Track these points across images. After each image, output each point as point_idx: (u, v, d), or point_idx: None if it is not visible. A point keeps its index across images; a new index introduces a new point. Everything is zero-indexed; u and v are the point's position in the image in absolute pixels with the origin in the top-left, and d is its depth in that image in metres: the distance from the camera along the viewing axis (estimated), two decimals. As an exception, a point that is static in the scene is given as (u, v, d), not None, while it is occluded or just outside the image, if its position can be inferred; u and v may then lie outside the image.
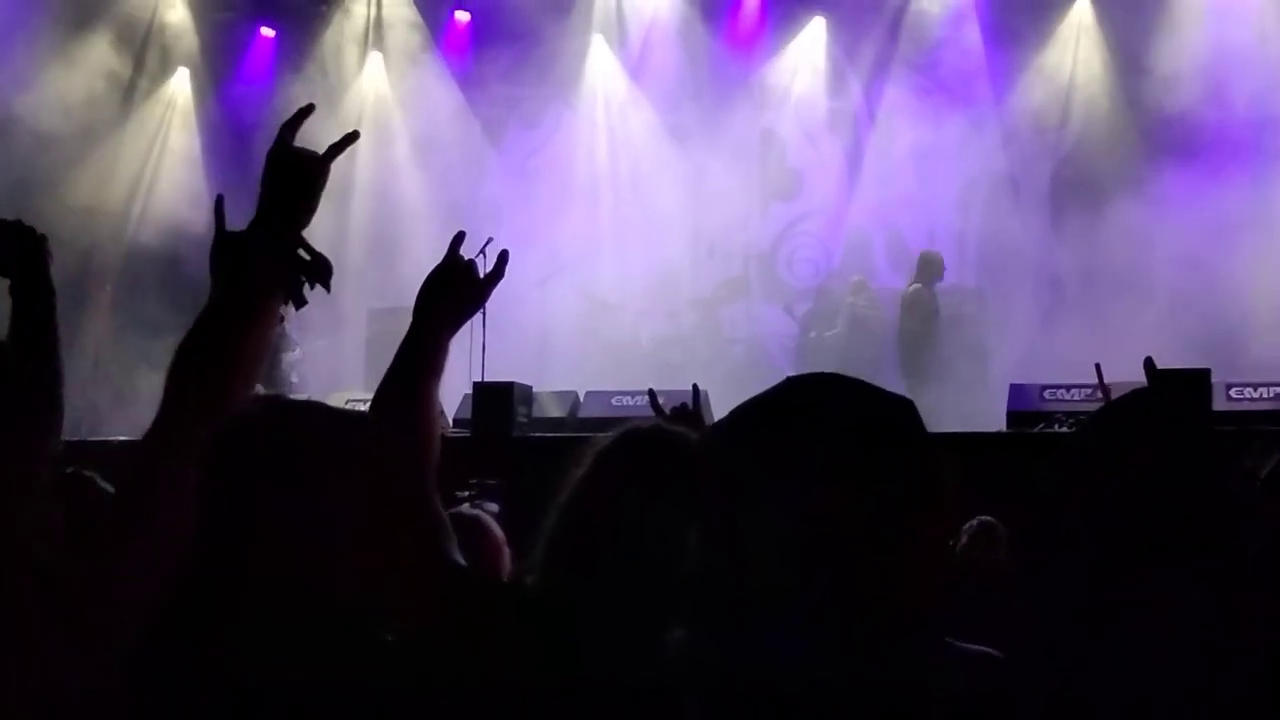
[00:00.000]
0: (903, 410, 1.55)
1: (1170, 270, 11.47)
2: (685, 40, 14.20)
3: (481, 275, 2.44)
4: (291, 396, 2.23)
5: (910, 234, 13.87)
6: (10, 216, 2.88)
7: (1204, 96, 12.13)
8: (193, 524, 1.81)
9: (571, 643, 2.02)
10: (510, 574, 3.26)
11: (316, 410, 1.99)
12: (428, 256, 2.41)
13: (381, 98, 14.60)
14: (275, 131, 2.15)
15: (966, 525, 5.86)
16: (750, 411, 1.52)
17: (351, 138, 2.18)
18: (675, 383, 9.73)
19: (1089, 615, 1.71)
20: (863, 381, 1.56)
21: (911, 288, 12.10)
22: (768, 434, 1.48)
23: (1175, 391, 1.77)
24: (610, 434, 2.21)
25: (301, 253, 2.12)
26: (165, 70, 14.13)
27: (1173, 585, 1.67)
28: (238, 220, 2.24)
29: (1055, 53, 13.52)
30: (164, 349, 2.09)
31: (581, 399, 10.48)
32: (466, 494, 5.69)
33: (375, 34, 14.64)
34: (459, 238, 2.43)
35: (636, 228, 13.44)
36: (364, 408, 2.55)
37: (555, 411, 10.28)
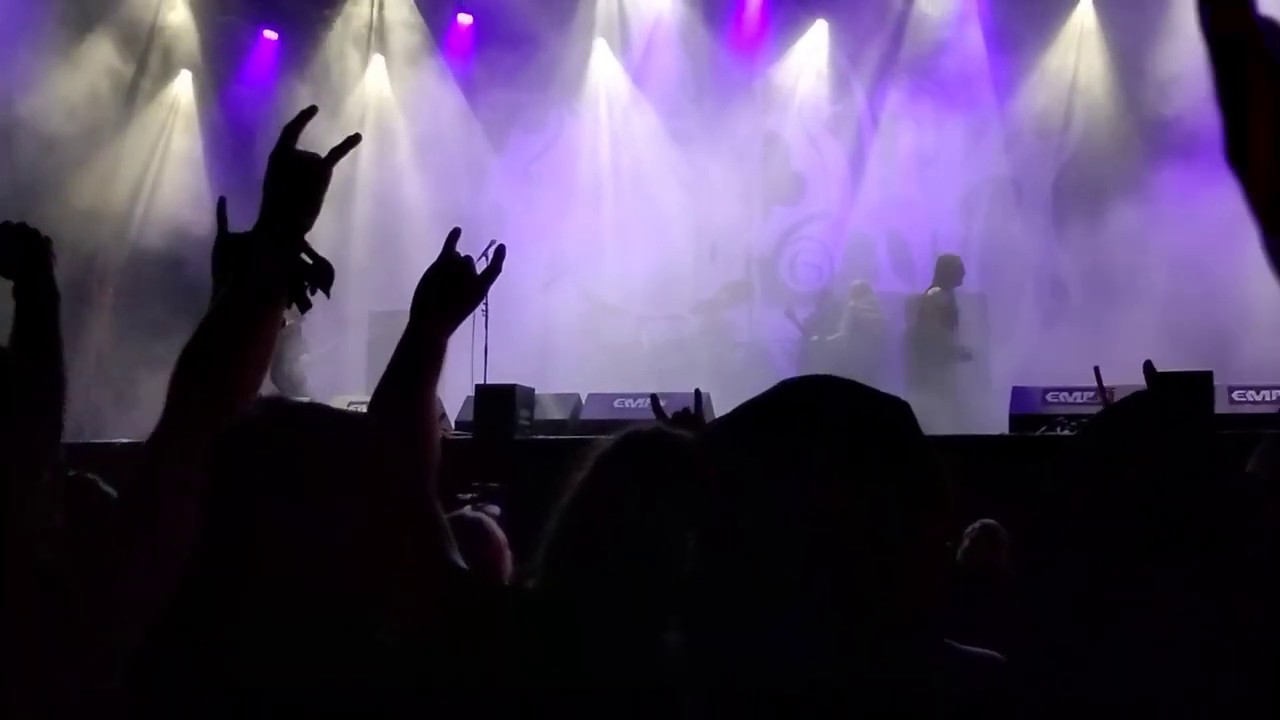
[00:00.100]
0: (899, 411, 1.55)
1: (1172, 273, 11.47)
2: (687, 44, 14.20)
3: (479, 273, 2.41)
4: (296, 399, 2.22)
5: (912, 238, 13.87)
6: (14, 219, 2.89)
7: (1206, 100, 11.95)
8: (194, 526, 1.81)
9: (573, 644, 2.02)
10: (512, 577, 3.26)
11: (318, 412, 1.99)
12: (429, 259, 2.39)
13: (384, 101, 14.61)
14: (277, 134, 2.15)
15: (969, 528, 5.86)
16: (747, 414, 1.52)
17: (353, 141, 2.18)
18: (676, 386, 9.74)
19: (1089, 617, 1.72)
20: (858, 383, 1.56)
21: (930, 291, 12.07)
22: (766, 436, 1.49)
23: (1175, 394, 1.78)
24: (611, 437, 2.21)
25: (304, 256, 2.12)
26: (168, 73, 14.14)
27: (1173, 587, 1.67)
28: (240, 223, 2.24)
29: (1057, 56, 13.52)
30: (166, 351, 2.09)
31: (583, 401, 10.49)
32: (468, 497, 5.70)
33: (377, 37, 14.65)
34: (454, 234, 2.41)
35: (638, 231, 13.44)
36: (365, 410, 2.54)
37: (557, 414, 10.28)
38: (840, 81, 14.11)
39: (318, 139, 2.21)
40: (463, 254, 2.37)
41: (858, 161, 14.06)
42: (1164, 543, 1.68)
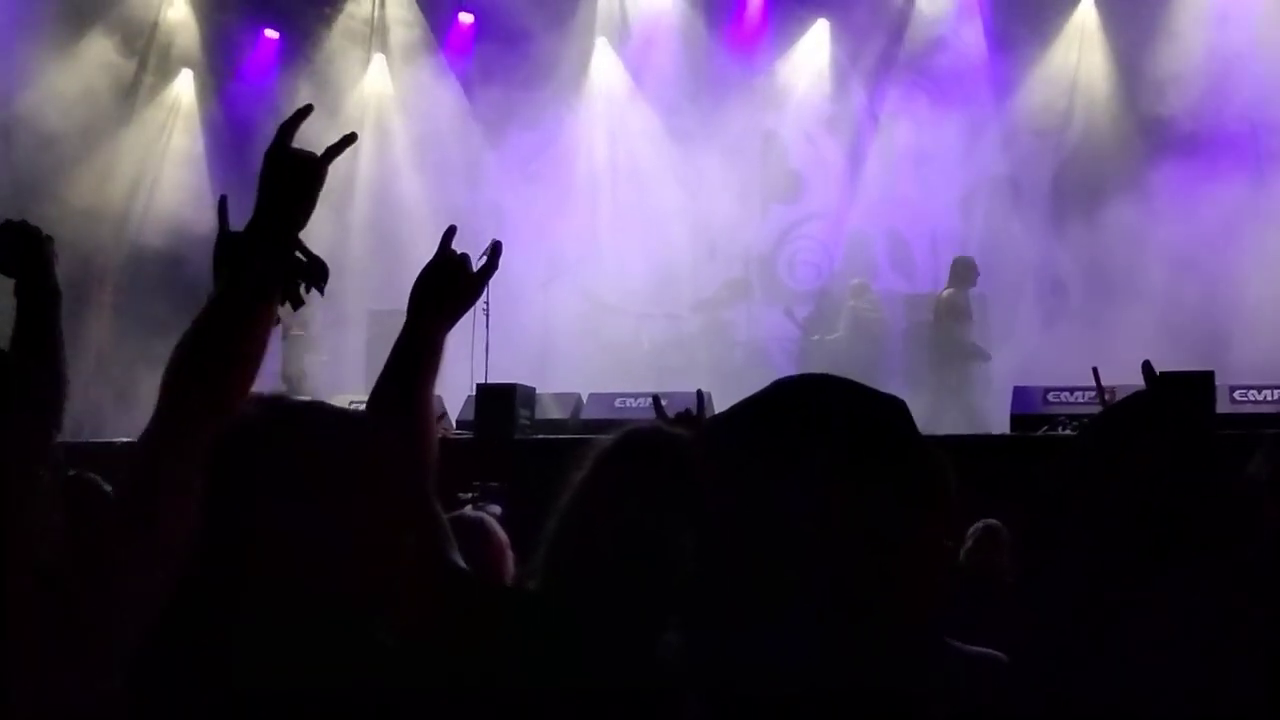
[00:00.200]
0: (896, 410, 1.55)
1: (1173, 272, 11.47)
2: (687, 42, 14.20)
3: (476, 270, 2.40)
4: (297, 398, 2.22)
5: (912, 237, 13.88)
6: (14, 217, 2.89)
7: (1206, 99, 12.13)
8: (194, 526, 1.81)
9: (573, 645, 2.02)
10: (514, 577, 3.26)
11: (318, 411, 1.98)
12: (429, 258, 2.38)
13: (384, 99, 14.61)
14: (273, 131, 2.15)
15: (971, 528, 5.85)
16: (745, 413, 1.52)
17: (349, 140, 2.17)
18: (676, 385, 9.75)
19: (1090, 617, 1.71)
20: (854, 382, 1.56)
21: (946, 292, 12.05)
22: (764, 435, 1.48)
23: (1175, 394, 1.78)
24: (610, 436, 2.21)
25: (298, 254, 2.11)
26: (168, 71, 14.14)
27: (1173, 587, 1.67)
28: (240, 221, 2.23)
29: (1057, 55, 13.52)
30: (167, 350, 2.09)
31: (584, 401, 10.49)
32: (469, 496, 5.70)
33: (378, 35, 14.65)
34: (450, 232, 2.40)
35: (638, 230, 13.44)
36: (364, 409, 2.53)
37: (558, 413, 10.29)
38: (840, 80, 14.11)
39: (317, 137, 2.21)
40: (459, 251, 2.36)
41: (857, 160, 14.06)
42: (1164, 543, 1.68)
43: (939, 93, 13.68)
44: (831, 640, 1.41)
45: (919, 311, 12.98)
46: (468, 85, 14.45)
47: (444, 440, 8.39)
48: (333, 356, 12.95)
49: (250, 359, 2.03)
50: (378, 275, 12.96)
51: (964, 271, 12.03)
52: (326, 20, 14.45)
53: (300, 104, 2.20)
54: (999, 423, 10.14)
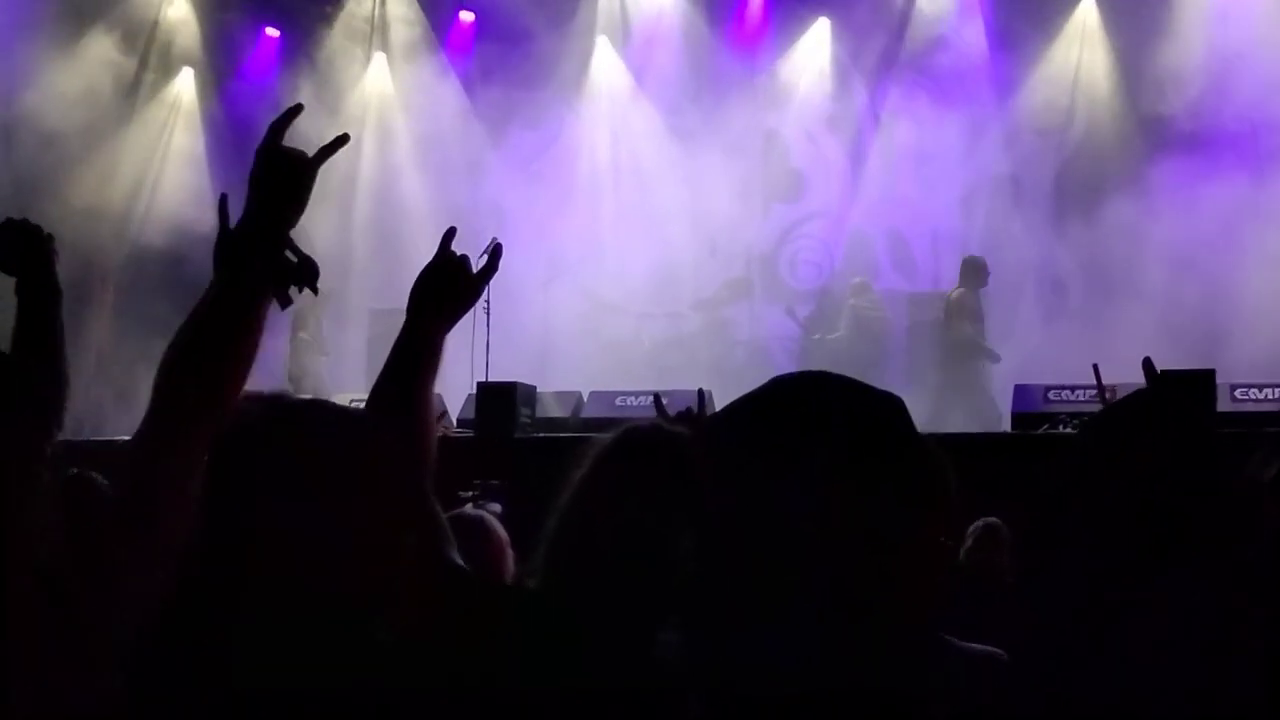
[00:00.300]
0: (894, 408, 1.55)
1: (1174, 270, 11.47)
2: (689, 41, 14.20)
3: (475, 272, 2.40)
4: (298, 396, 2.22)
5: (913, 236, 13.87)
6: (15, 216, 2.89)
7: (1207, 98, 12.12)
8: (194, 525, 1.81)
9: (572, 644, 2.02)
10: (514, 575, 3.26)
11: (319, 410, 1.99)
12: (430, 257, 2.39)
13: (385, 98, 14.62)
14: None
15: (971, 527, 5.85)
16: (743, 411, 1.52)
17: (342, 140, 2.17)
18: (677, 383, 9.74)
19: (1091, 616, 1.71)
20: (852, 379, 1.56)
21: (956, 291, 12.02)
22: (763, 434, 1.48)
23: (1175, 393, 1.77)
24: (609, 434, 2.20)
25: (289, 253, 2.11)
26: (169, 70, 14.14)
27: (1174, 586, 1.67)
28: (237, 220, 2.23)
29: (1059, 54, 13.51)
30: (167, 349, 2.09)
31: (585, 399, 10.49)
32: (470, 494, 5.70)
33: (378, 34, 14.65)
34: (450, 233, 2.40)
35: (639, 228, 13.44)
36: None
37: (558, 412, 10.29)
38: (841, 79, 14.10)
39: (318, 136, 2.21)
40: (459, 252, 2.36)
41: (858, 159, 14.05)
42: (1164, 543, 1.68)
43: (940, 91, 13.67)
44: (831, 639, 1.41)
45: (920, 310, 12.98)
46: (469, 84, 14.45)
47: (444, 438, 8.40)
48: (333, 355, 12.96)
49: (243, 358, 2.03)
50: (378, 274, 12.98)
51: (974, 271, 11.99)
52: (327, 19, 14.45)
53: (302, 102, 2.20)
54: (1000, 421, 10.15)
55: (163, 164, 13.82)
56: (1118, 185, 12.37)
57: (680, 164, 13.67)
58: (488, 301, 8.57)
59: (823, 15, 14.02)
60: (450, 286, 2.32)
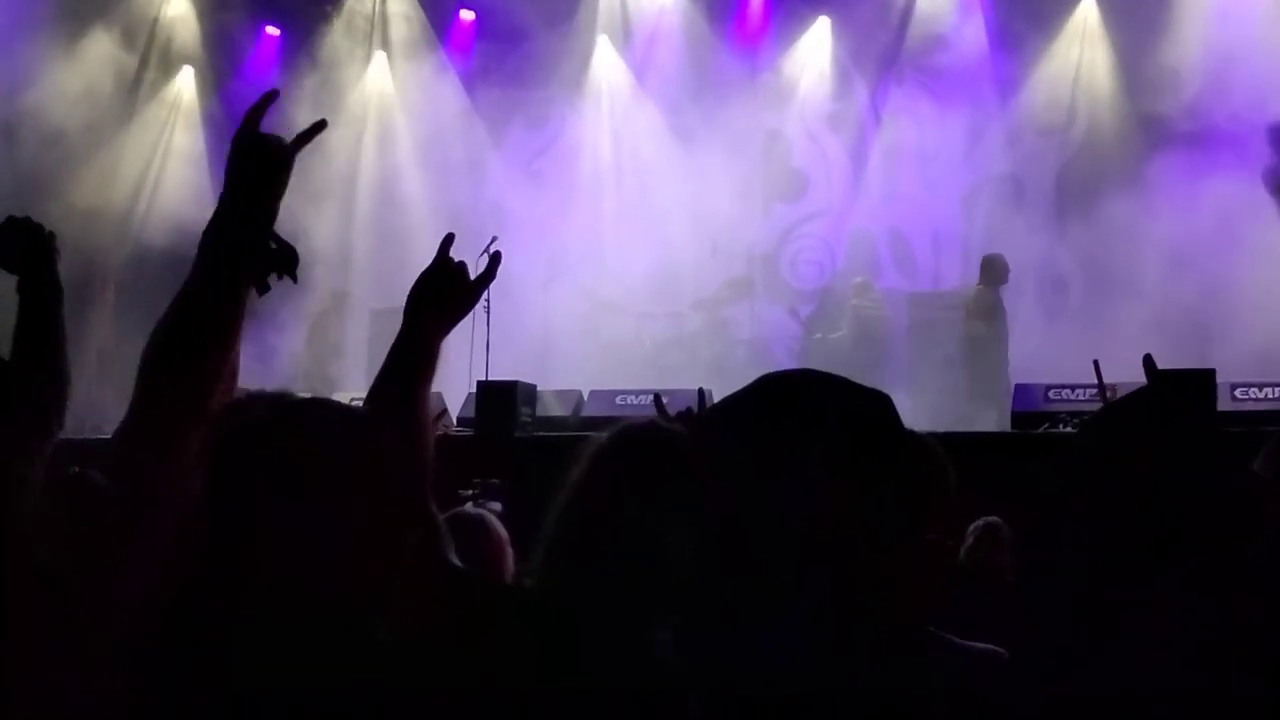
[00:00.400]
0: (882, 405, 1.54)
1: (1175, 270, 11.46)
2: (690, 40, 14.20)
3: (474, 276, 2.39)
4: (299, 395, 2.21)
5: (914, 235, 13.87)
6: (17, 214, 2.89)
7: (1209, 97, 12.12)
8: (193, 524, 1.81)
9: (571, 644, 2.01)
10: (514, 574, 3.26)
11: (321, 409, 1.98)
12: (431, 258, 2.38)
13: (385, 97, 14.62)
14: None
15: (971, 526, 5.84)
16: (735, 412, 1.51)
17: (320, 126, 2.16)
18: (678, 383, 9.74)
19: (1091, 616, 1.71)
20: (838, 377, 1.56)
21: (974, 289, 11.99)
22: (758, 434, 1.48)
23: (1175, 391, 1.77)
24: (605, 433, 2.20)
25: (269, 241, 2.10)
26: (169, 69, 14.14)
27: (1174, 586, 1.67)
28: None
29: (1060, 54, 13.50)
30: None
31: (585, 398, 10.49)
32: (470, 493, 5.69)
33: (379, 33, 14.65)
34: (448, 239, 2.39)
35: (639, 228, 13.43)
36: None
37: (559, 411, 10.28)
38: (842, 78, 14.10)
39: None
40: (457, 258, 2.36)
41: (859, 158, 14.05)
42: (1165, 542, 1.68)
43: (941, 91, 13.67)
44: (830, 639, 1.41)
45: (922, 310, 12.96)
46: (469, 83, 14.45)
47: (444, 437, 8.36)
48: (320, 353, 12.96)
49: (225, 347, 2.02)
50: (379, 273, 12.98)
51: (988, 269, 11.94)
52: (328, 17, 14.45)
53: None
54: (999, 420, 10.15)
55: (163, 163, 13.83)
56: (1119, 184, 12.36)
57: (681, 163, 13.67)
58: (488, 300, 8.54)
59: (823, 14, 14.01)
60: (448, 292, 2.32)
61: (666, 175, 13.69)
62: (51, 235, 2.86)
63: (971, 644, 1.92)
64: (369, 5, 14.58)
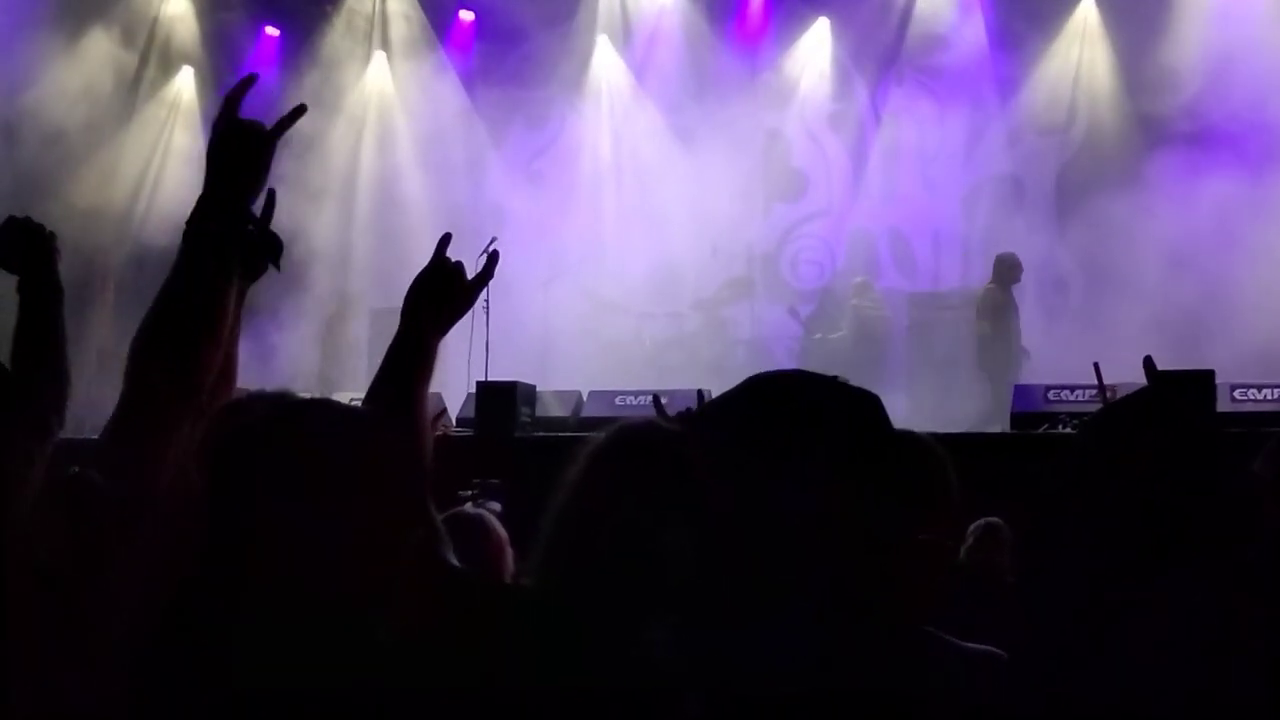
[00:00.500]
0: (873, 406, 1.54)
1: (1174, 270, 11.46)
2: (689, 40, 14.20)
3: (471, 276, 2.39)
4: (301, 395, 2.21)
5: (914, 235, 13.87)
6: (18, 214, 2.89)
7: (1209, 97, 12.12)
8: (194, 524, 1.81)
9: (570, 643, 2.01)
10: (513, 573, 3.26)
11: (321, 409, 1.98)
12: (429, 259, 2.38)
13: (385, 97, 14.62)
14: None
15: (972, 527, 5.84)
16: (729, 412, 1.51)
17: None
18: (677, 383, 9.74)
19: (1091, 616, 1.71)
20: (827, 377, 1.56)
21: (985, 288, 11.96)
22: (755, 434, 1.48)
23: (1175, 392, 1.77)
24: (603, 432, 2.20)
25: (251, 228, 2.10)
26: (169, 68, 14.15)
27: (1174, 586, 1.67)
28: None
29: (1060, 53, 13.51)
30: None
31: (585, 399, 10.48)
32: (469, 493, 5.69)
33: (379, 33, 14.65)
34: (445, 239, 2.39)
35: (639, 228, 13.43)
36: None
37: (558, 411, 10.28)
38: (842, 78, 14.10)
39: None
40: (455, 258, 2.36)
41: (859, 158, 14.05)
42: (1165, 542, 1.68)
43: (941, 91, 13.68)
44: (830, 639, 1.41)
45: (922, 310, 12.97)
46: (469, 83, 14.46)
47: (444, 437, 8.36)
48: (332, 354, 12.97)
49: (212, 336, 2.01)
50: (378, 273, 12.98)
51: (1004, 268, 11.92)
52: (327, 17, 14.45)
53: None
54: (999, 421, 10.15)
55: (163, 163, 13.83)
56: (1119, 184, 12.36)
57: (681, 163, 13.67)
58: (487, 300, 8.56)
59: (823, 14, 14.01)
60: (445, 292, 2.32)
61: (666, 175, 13.69)
62: (52, 235, 2.86)
63: (970, 645, 1.92)
64: (368, 5, 14.58)
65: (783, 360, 13.01)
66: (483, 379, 10.22)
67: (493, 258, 2.40)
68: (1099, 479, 1.75)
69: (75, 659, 1.89)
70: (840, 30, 13.98)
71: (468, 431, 9.59)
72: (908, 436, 2.13)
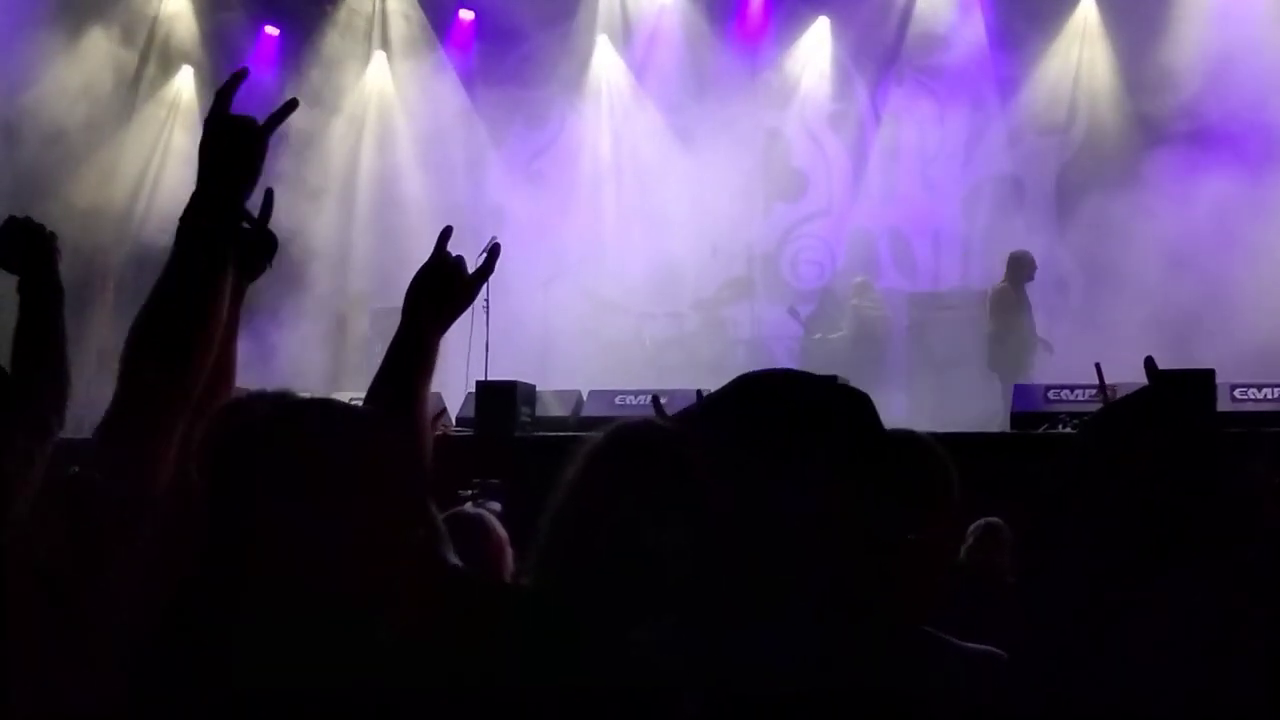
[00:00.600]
0: (865, 406, 1.54)
1: (1174, 270, 11.46)
2: (689, 40, 14.20)
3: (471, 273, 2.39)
4: (302, 394, 2.22)
5: (914, 235, 13.87)
6: (18, 214, 2.89)
7: (1208, 97, 12.12)
8: (194, 524, 1.81)
9: (569, 643, 2.01)
10: (512, 573, 3.26)
11: (322, 408, 1.98)
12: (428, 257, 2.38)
13: (385, 96, 14.62)
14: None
15: (972, 526, 5.84)
16: (719, 412, 1.51)
17: (291, 106, 2.16)
18: (677, 383, 9.73)
19: (1091, 616, 1.71)
20: (819, 376, 1.56)
21: (998, 286, 11.94)
22: (752, 434, 1.48)
23: (1175, 392, 1.77)
24: (601, 432, 2.20)
25: (244, 225, 2.10)
26: (168, 68, 14.14)
27: (1174, 586, 1.67)
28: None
29: (1060, 53, 13.51)
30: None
31: (584, 398, 10.48)
32: (469, 493, 5.69)
33: (378, 32, 14.65)
34: (446, 233, 2.39)
35: (639, 227, 13.44)
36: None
37: (558, 411, 10.27)
38: (842, 77, 14.10)
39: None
40: (454, 253, 2.36)
41: (859, 158, 14.05)
42: (1165, 542, 1.68)
43: (941, 91, 13.68)
44: (830, 639, 1.41)
45: (922, 310, 12.97)
46: (469, 83, 14.46)
47: (444, 437, 8.35)
48: (333, 354, 12.97)
49: (207, 336, 2.01)
50: (378, 272, 12.98)
51: (1019, 266, 11.89)
52: (327, 17, 14.45)
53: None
54: (999, 420, 10.14)
55: (163, 162, 13.82)
56: (1119, 184, 12.36)
57: (681, 163, 13.67)
58: (487, 300, 8.57)
59: (823, 14, 14.01)
60: (446, 287, 2.31)
61: (666, 175, 13.69)
62: (52, 235, 2.86)
63: (970, 645, 1.92)
64: (368, 5, 14.58)
65: (783, 360, 13.01)
66: (482, 379, 10.21)
67: (494, 251, 2.39)
68: (1099, 479, 1.75)
69: (75, 659, 1.89)
70: (840, 30, 13.98)
71: (467, 431, 9.58)
72: (908, 436, 2.13)
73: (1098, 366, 4.93)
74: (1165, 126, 12.41)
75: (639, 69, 14.41)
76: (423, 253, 2.40)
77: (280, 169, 11.24)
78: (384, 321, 11.60)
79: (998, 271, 12.29)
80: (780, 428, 1.48)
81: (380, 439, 1.88)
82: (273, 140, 2.13)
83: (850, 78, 14.07)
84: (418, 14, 14.60)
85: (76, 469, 3.47)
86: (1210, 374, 8.41)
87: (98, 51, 13.11)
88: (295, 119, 2.16)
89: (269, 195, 2.28)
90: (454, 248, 2.38)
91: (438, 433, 2.51)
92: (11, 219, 2.86)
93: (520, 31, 13.91)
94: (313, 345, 12.74)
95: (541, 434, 9.50)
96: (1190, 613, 1.64)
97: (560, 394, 10.54)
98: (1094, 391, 8.67)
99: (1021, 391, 9.83)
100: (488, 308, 9.13)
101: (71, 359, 2.84)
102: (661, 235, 13.26)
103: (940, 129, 13.55)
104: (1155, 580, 1.67)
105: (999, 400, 11.00)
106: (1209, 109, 12.13)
